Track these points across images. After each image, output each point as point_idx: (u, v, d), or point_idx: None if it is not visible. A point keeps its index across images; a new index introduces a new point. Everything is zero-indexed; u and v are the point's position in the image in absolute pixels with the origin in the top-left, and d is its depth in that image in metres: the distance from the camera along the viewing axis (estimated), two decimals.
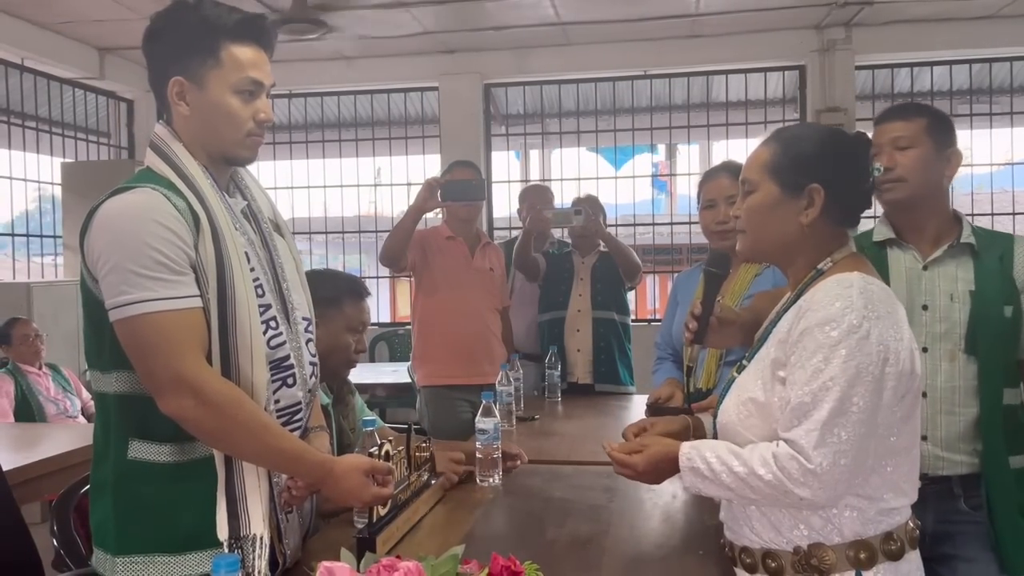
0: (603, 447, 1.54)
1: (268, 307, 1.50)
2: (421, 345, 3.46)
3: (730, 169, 2.25)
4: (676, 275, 2.49)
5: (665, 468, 1.44)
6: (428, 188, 3.12)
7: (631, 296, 4.06)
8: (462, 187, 3.24)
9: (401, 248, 3.24)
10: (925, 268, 1.91)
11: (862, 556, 1.30)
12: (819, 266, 1.39)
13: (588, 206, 3.77)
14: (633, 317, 4.03)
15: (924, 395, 1.83)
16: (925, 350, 1.86)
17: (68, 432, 3.76)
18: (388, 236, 3.31)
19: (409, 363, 4.14)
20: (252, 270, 1.48)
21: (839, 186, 1.38)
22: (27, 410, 4.29)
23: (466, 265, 3.42)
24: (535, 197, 3.97)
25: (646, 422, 1.63)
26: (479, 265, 3.47)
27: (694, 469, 1.36)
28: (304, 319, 1.61)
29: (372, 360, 6.25)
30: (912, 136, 1.89)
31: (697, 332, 1.67)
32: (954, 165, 1.93)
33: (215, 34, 1.46)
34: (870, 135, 1.48)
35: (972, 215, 5.61)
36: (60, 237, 6.14)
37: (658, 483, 1.50)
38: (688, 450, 1.38)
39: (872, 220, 2.06)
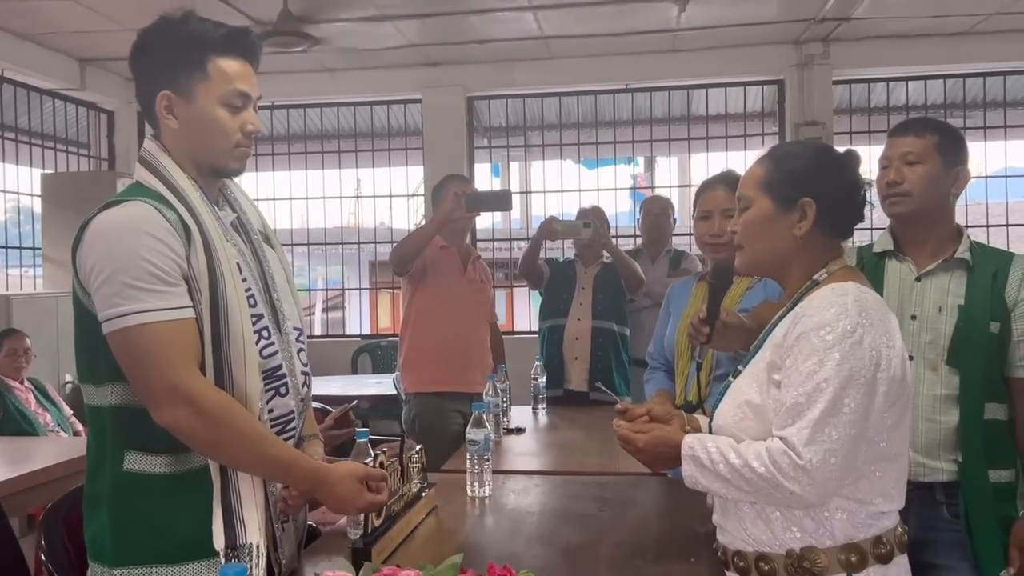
0: (614, 424, 1.56)
1: (260, 317, 1.51)
2: (414, 351, 3.41)
3: (727, 181, 2.23)
4: (670, 286, 2.54)
5: (665, 453, 1.46)
6: (455, 199, 3.16)
7: None
8: (489, 198, 3.37)
9: (417, 254, 3.29)
10: (918, 279, 1.95)
11: (853, 559, 1.33)
12: (815, 276, 1.44)
13: (595, 218, 3.83)
14: None
15: None
16: (911, 358, 1.89)
17: (51, 446, 3.73)
18: (404, 241, 3.35)
19: (395, 374, 4.13)
20: (244, 280, 1.49)
21: (830, 199, 1.43)
22: (14, 424, 4.21)
23: (460, 275, 3.47)
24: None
25: (645, 406, 1.64)
26: (471, 276, 3.52)
27: (694, 458, 1.39)
28: (295, 329, 1.62)
29: (355, 372, 6.24)
30: (921, 152, 1.93)
31: (707, 334, 1.82)
32: (961, 183, 1.97)
33: (202, 48, 1.48)
34: (858, 149, 1.54)
35: None
36: (39, 249, 6.08)
37: (652, 467, 1.54)
38: (691, 440, 1.42)
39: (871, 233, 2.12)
